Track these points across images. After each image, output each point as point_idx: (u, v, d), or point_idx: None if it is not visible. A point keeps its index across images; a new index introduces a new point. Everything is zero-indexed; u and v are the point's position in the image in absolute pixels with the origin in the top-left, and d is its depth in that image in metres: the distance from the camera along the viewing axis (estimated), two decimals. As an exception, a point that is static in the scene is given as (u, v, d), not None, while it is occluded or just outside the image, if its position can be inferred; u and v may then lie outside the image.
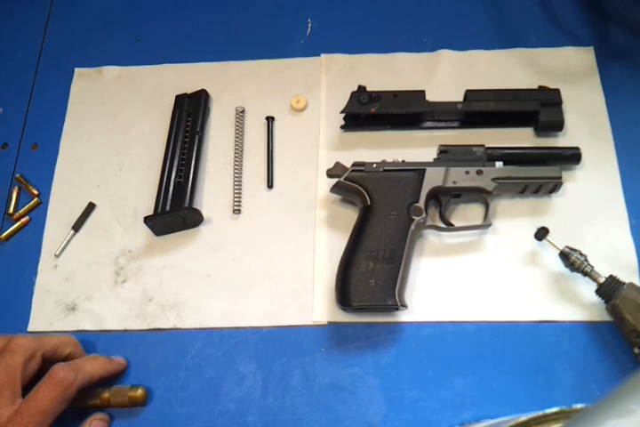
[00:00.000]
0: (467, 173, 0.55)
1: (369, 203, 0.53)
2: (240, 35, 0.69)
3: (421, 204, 0.53)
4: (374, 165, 0.55)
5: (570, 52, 0.64)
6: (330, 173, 0.56)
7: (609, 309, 0.50)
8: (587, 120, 0.60)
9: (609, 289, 0.49)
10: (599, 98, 0.61)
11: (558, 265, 0.52)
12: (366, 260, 0.51)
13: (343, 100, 0.60)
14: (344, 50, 0.66)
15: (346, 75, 0.65)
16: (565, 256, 0.51)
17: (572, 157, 0.57)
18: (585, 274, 0.50)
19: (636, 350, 0.47)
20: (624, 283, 0.49)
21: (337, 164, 0.56)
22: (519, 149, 0.57)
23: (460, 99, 0.60)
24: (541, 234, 0.52)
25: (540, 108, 0.58)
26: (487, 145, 0.56)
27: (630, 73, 0.63)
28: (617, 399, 0.25)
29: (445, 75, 0.64)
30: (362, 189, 0.54)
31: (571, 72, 0.63)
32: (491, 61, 0.64)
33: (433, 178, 0.54)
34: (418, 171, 0.55)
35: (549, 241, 0.52)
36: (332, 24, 0.68)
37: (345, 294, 0.50)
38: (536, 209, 0.56)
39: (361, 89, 0.60)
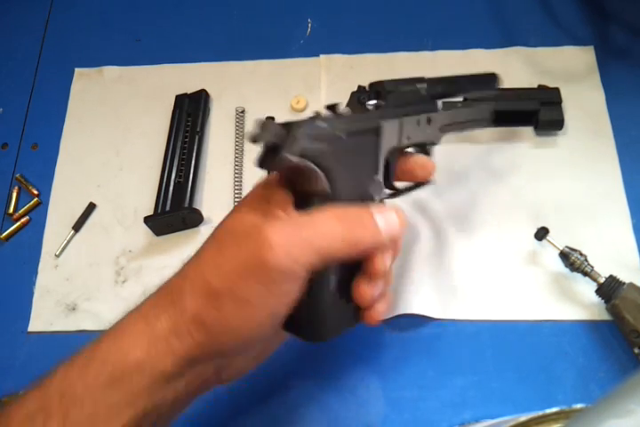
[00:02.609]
0: (418, 123, 0.44)
1: (327, 190, 0.35)
2: (240, 35, 0.69)
3: (380, 175, 0.40)
4: (336, 132, 0.36)
5: (570, 51, 0.64)
6: (257, 138, 0.33)
7: (609, 309, 0.50)
8: (587, 119, 0.60)
9: (609, 289, 0.49)
10: (599, 97, 0.61)
11: (558, 265, 0.52)
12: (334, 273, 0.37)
13: (343, 101, 0.60)
14: (344, 50, 0.66)
15: (345, 75, 0.65)
16: (565, 256, 0.51)
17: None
18: (585, 274, 0.50)
19: (636, 350, 0.47)
20: (624, 283, 0.49)
21: (266, 123, 0.33)
22: (451, 79, 0.48)
23: (460, 98, 0.60)
24: (541, 234, 0.52)
25: (539, 108, 0.58)
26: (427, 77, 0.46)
27: (630, 72, 0.63)
28: (617, 399, 0.25)
29: (445, 74, 0.63)
30: (314, 165, 0.34)
31: (571, 71, 0.63)
32: (491, 61, 0.64)
33: (389, 137, 0.41)
34: (374, 130, 0.40)
35: (549, 241, 0.52)
36: (332, 24, 0.68)
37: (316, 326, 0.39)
38: (536, 209, 0.56)
39: (361, 89, 0.60)
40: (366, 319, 0.40)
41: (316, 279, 0.35)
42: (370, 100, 0.39)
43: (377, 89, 0.40)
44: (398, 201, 0.46)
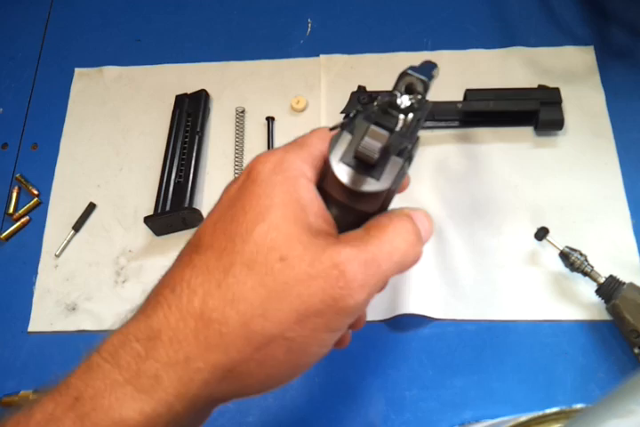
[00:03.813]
0: None
1: (375, 211, 0.30)
2: (240, 35, 0.69)
3: None
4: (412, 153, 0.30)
5: (570, 51, 0.64)
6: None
7: (609, 309, 0.50)
8: (587, 119, 0.60)
9: (609, 289, 0.49)
10: (599, 97, 0.61)
11: (558, 265, 0.52)
12: None
13: (343, 101, 0.60)
14: (344, 50, 0.66)
15: (345, 75, 0.65)
16: (565, 256, 0.51)
17: None
18: (585, 274, 0.50)
19: (636, 350, 0.47)
20: (624, 283, 0.49)
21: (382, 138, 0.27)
22: None
23: (460, 98, 0.60)
24: (541, 234, 0.52)
25: (539, 107, 0.58)
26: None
27: (631, 72, 0.63)
28: (617, 399, 0.25)
29: (445, 74, 0.63)
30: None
31: (571, 71, 0.63)
32: (491, 61, 0.64)
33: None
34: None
35: (549, 241, 0.52)
36: (332, 24, 0.68)
37: None
38: (536, 209, 0.56)
39: (361, 89, 0.60)
40: (343, 343, 0.35)
41: None
42: (402, 93, 0.30)
43: (409, 82, 0.31)
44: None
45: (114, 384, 0.25)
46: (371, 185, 0.27)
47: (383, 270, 0.27)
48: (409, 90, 0.30)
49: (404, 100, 0.29)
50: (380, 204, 0.30)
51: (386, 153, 0.27)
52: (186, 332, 0.25)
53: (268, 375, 0.26)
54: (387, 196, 0.30)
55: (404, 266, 0.28)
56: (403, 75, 0.30)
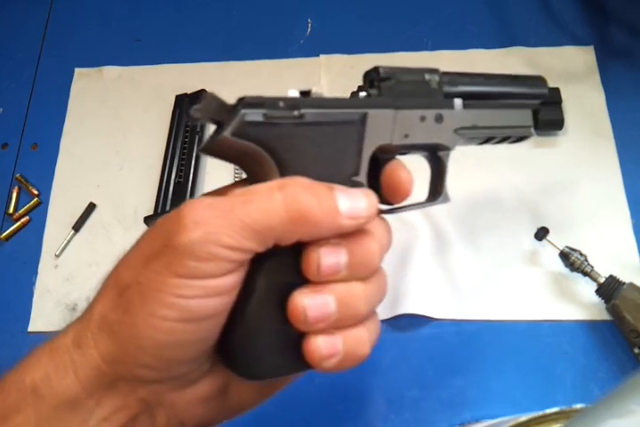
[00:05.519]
0: (422, 119, 0.34)
1: (275, 176, 0.28)
2: (240, 35, 0.69)
3: (363, 177, 0.31)
4: (295, 112, 0.28)
5: (570, 51, 0.64)
6: (199, 116, 0.26)
7: (609, 309, 0.50)
8: (587, 119, 0.60)
9: (609, 289, 0.49)
10: (600, 97, 0.61)
11: (558, 265, 0.52)
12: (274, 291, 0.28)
13: (343, 100, 0.60)
14: (344, 50, 0.66)
15: (345, 75, 0.65)
16: (565, 256, 0.51)
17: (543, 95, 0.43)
18: (585, 274, 0.50)
19: (636, 350, 0.48)
20: (624, 283, 0.49)
21: (208, 95, 0.27)
22: (486, 77, 0.39)
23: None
24: (541, 234, 0.52)
25: (539, 108, 0.58)
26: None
27: (630, 72, 0.63)
28: (617, 399, 0.25)
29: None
30: (265, 153, 0.28)
31: (571, 71, 0.63)
32: (491, 61, 0.64)
33: (378, 130, 0.32)
34: (356, 119, 0.31)
35: (549, 241, 0.52)
36: (332, 24, 0.68)
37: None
38: (536, 209, 0.56)
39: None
40: (305, 355, 0.27)
41: (245, 283, 0.27)
42: (361, 91, 0.31)
43: (371, 77, 0.34)
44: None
45: (37, 350, 0.28)
46: (213, 136, 0.27)
47: (238, 215, 0.25)
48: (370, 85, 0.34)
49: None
50: (263, 175, 0.28)
51: (216, 110, 0.27)
52: (96, 293, 0.29)
53: (133, 325, 0.25)
54: (279, 167, 0.28)
55: (286, 222, 0.25)
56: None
